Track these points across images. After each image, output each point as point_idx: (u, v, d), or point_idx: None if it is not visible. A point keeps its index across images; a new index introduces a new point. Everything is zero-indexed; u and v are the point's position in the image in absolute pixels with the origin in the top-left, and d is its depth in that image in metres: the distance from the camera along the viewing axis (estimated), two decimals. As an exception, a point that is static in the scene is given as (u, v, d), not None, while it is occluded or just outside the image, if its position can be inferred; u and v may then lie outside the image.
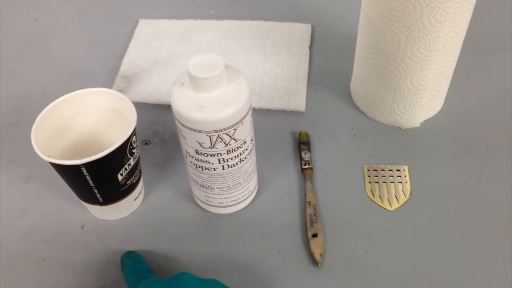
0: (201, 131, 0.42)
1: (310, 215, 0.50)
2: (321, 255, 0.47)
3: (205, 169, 0.46)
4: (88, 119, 0.50)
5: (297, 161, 0.56)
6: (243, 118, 0.42)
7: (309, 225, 0.49)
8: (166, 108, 0.60)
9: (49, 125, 0.47)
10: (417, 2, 0.46)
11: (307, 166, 0.54)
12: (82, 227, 0.51)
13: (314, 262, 0.47)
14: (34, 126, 0.45)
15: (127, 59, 0.67)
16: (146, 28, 0.72)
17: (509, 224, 0.49)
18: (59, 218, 0.52)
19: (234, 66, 0.44)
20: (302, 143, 0.56)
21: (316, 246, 0.48)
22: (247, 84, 0.43)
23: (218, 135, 0.42)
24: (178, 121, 0.43)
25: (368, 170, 0.54)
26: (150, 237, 0.50)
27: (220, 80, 0.41)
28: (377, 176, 0.54)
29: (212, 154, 0.44)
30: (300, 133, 0.57)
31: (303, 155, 0.55)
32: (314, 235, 0.48)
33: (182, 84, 0.42)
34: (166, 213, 0.52)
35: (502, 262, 0.47)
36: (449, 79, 0.56)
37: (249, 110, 0.43)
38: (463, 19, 0.49)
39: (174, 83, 0.43)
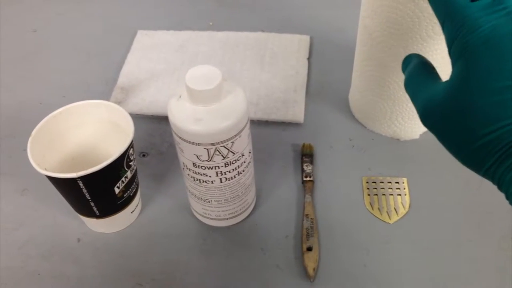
0: (198, 144, 0.41)
1: (306, 228, 0.49)
2: (314, 269, 0.46)
3: (203, 182, 0.45)
4: (85, 132, 0.50)
5: (295, 173, 0.55)
6: (241, 131, 0.42)
7: (304, 238, 0.49)
8: (164, 119, 0.60)
9: (46, 138, 0.47)
10: (415, 14, 0.46)
11: (308, 179, 0.53)
12: (79, 240, 0.51)
13: (307, 276, 0.47)
14: (30, 139, 0.45)
15: (125, 70, 0.67)
16: (144, 39, 0.72)
17: (507, 236, 0.49)
18: (55, 231, 0.51)
19: (231, 79, 0.44)
20: (305, 155, 0.56)
21: (310, 260, 0.47)
22: (244, 97, 0.43)
23: (215, 148, 0.42)
24: (176, 133, 0.42)
25: (367, 182, 0.54)
26: (147, 250, 0.50)
27: (217, 92, 0.40)
28: (376, 188, 0.53)
29: (209, 167, 0.43)
30: (303, 145, 0.57)
31: (305, 167, 0.54)
32: (309, 249, 0.48)
33: (180, 96, 0.42)
34: (164, 226, 0.52)
35: (501, 274, 0.46)
36: (448, 90, 0.56)
37: (247, 123, 0.43)
38: (461, 31, 0.49)
39: (172, 96, 0.43)
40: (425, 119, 0.32)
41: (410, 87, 0.34)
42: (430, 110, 0.31)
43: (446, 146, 0.31)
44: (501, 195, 0.53)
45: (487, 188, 0.52)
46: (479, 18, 0.29)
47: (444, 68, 0.51)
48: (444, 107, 0.30)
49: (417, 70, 0.34)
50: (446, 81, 0.31)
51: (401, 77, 0.51)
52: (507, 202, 0.54)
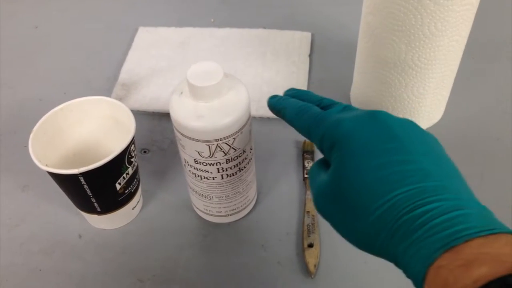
0: (200, 140, 0.41)
1: (308, 224, 0.49)
2: (315, 265, 0.46)
3: (204, 178, 0.45)
4: (87, 128, 0.50)
5: (297, 169, 0.55)
6: (242, 127, 0.42)
7: (305, 235, 0.49)
8: (165, 116, 0.60)
9: (47, 134, 0.47)
10: (417, 11, 0.46)
11: (308, 176, 0.54)
12: (80, 236, 0.51)
13: (308, 272, 0.47)
14: (31, 135, 0.45)
15: (126, 67, 0.67)
16: (145, 36, 0.72)
17: (510, 234, 0.49)
18: (56, 227, 0.51)
19: (233, 75, 0.44)
20: (306, 152, 0.56)
21: (311, 256, 0.47)
22: (246, 93, 0.43)
23: (217, 144, 0.42)
24: (177, 130, 0.42)
25: (368, 179, 0.54)
26: (148, 246, 0.50)
27: (219, 89, 0.40)
28: (377, 185, 0.53)
29: (211, 163, 0.43)
30: (304, 142, 0.57)
31: (306, 164, 0.54)
32: (310, 245, 0.48)
33: (181, 92, 0.42)
34: (165, 222, 0.52)
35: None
36: (450, 88, 0.56)
37: (248, 119, 0.43)
38: (464, 28, 0.49)
39: (173, 92, 0.43)
40: (316, 205, 0.34)
41: (309, 178, 0.37)
42: (319, 198, 0.34)
43: (338, 231, 0.33)
44: (503, 193, 0.53)
45: (489, 185, 0.53)
46: (338, 118, 0.34)
47: (446, 64, 0.51)
48: (328, 194, 0.32)
49: (315, 164, 0.37)
50: (328, 171, 0.33)
51: (402, 74, 0.51)
52: (507, 199, 0.54)
